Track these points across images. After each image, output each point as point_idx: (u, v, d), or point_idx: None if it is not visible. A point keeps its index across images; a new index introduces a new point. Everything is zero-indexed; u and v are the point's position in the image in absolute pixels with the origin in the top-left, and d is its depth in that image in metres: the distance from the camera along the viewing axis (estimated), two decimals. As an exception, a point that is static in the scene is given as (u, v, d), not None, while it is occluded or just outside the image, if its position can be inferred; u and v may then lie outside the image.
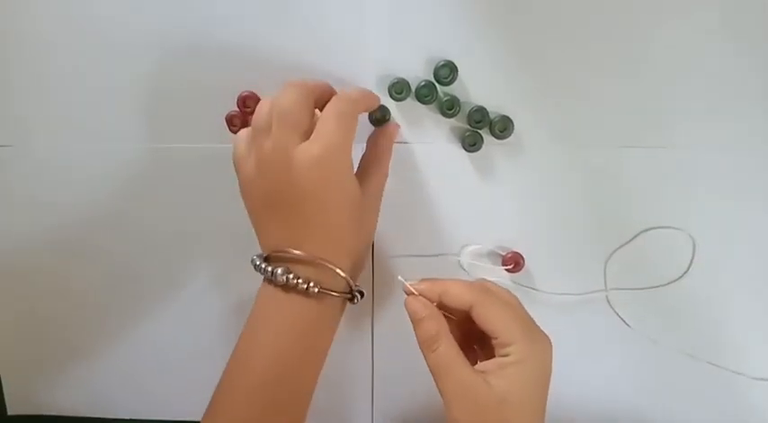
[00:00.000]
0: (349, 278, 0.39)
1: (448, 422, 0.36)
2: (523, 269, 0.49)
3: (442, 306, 0.38)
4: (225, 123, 0.47)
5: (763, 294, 0.49)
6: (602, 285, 0.49)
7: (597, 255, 0.49)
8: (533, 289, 0.50)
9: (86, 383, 0.56)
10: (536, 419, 0.36)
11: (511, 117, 0.46)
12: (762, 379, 0.50)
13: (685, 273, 0.49)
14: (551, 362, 0.37)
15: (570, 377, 0.52)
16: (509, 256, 0.48)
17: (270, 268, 0.38)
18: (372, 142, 0.45)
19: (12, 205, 0.52)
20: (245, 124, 0.47)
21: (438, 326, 0.37)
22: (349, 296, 0.41)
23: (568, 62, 0.45)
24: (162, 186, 0.50)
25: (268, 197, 0.39)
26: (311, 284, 0.38)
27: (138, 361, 0.55)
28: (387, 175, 0.45)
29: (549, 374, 0.37)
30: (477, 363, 0.38)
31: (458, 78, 0.45)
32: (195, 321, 0.54)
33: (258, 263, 0.40)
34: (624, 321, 0.50)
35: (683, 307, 0.49)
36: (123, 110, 0.48)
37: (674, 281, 0.49)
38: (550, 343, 0.38)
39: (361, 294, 0.41)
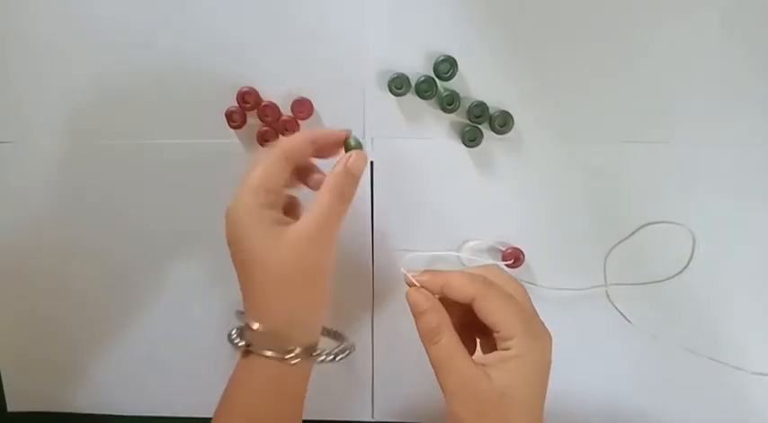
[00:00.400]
0: (282, 340, 0.38)
1: (448, 415, 0.36)
2: (523, 264, 0.49)
3: (443, 298, 0.37)
4: (225, 119, 0.47)
5: (762, 290, 0.49)
6: (602, 281, 0.50)
7: (597, 250, 0.49)
8: (533, 284, 0.50)
9: (86, 381, 0.56)
10: (535, 414, 0.36)
11: (511, 112, 0.46)
12: (761, 374, 0.50)
13: (685, 268, 0.49)
14: (551, 357, 0.37)
15: (570, 372, 0.52)
16: (509, 251, 0.48)
17: (228, 330, 0.39)
18: (331, 172, 0.39)
19: (11, 202, 0.51)
20: (245, 120, 0.47)
21: (439, 318, 0.36)
22: (291, 355, 0.38)
23: (568, 58, 0.45)
24: (163, 183, 0.50)
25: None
26: (249, 347, 0.38)
27: (137, 358, 0.55)
28: (337, 215, 0.38)
29: (549, 369, 0.37)
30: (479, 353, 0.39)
31: (458, 73, 0.45)
32: (195, 319, 0.54)
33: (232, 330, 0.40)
34: (624, 316, 0.50)
35: (682, 302, 0.49)
36: (123, 106, 0.48)
37: (674, 276, 0.49)
38: (551, 338, 0.37)
39: (319, 351, 0.39)
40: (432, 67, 0.45)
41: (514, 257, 0.48)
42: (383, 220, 0.49)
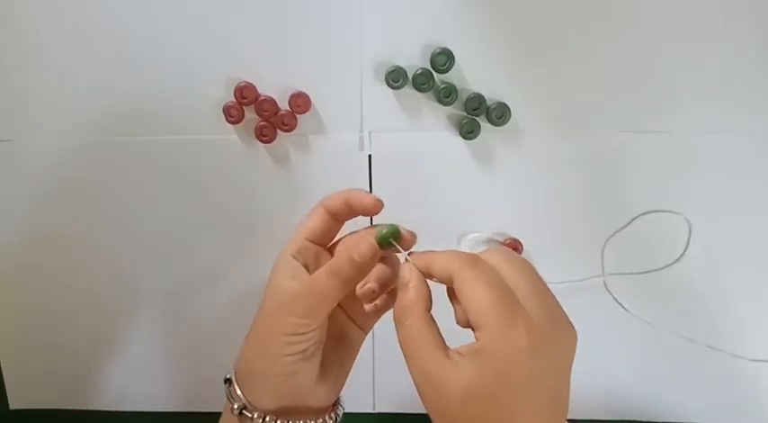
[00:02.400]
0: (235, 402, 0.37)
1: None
2: (522, 255, 0.49)
3: (432, 278, 0.34)
4: (222, 114, 0.47)
5: (759, 277, 0.49)
6: (599, 270, 0.50)
7: (595, 240, 0.49)
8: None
9: (88, 378, 0.56)
10: (513, 419, 0.30)
11: (508, 104, 0.46)
12: (759, 361, 0.51)
13: (682, 256, 0.49)
14: (550, 353, 0.30)
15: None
16: (507, 242, 0.49)
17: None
18: (337, 253, 0.38)
19: (13, 199, 0.51)
20: (242, 115, 0.47)
21: (413, 298, 0.32)
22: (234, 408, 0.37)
23: (565, 49, 0.45)
24: (162, 179, 0.50)
25: None
26: (234, 406, 0.37)
27: (140, 355, 0.55)
28: (329, 297, 0.35)
29: (546, 369, 0.30)
30: None
31: (454, 66, 0.45)
32: (196, 315, 0.54)
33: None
34: (622, 305, 0.50)
35: (680, 290, 0.50)
36: (121, 103, 0.48)
37: (671, 264, 0.49)
38: (555, 333, 0.31)
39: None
40: (428, 59, 0.45)
41: (512, 248, 0.49)
42: (381, 212, 0.49)
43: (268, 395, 0.37)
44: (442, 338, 0.32)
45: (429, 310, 0.33)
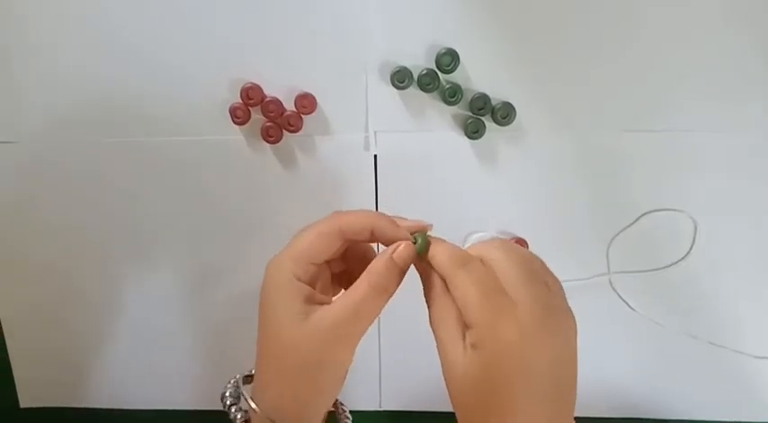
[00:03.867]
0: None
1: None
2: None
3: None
4: (228, 115, 0.47)
5: (764, 275, 0.49)
6: (604, 269, 0.50)
7: (600, 239, 0.50)
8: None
9: (98, 376, 0.57)
10: (525, 404, 0.31)
11: (513, 104, 0.46)
12: (763, 358, 0.51)
13: (687, 254, 0.49)
14: (545, 342, 0.31)
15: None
16: (512, 241, 0.49)
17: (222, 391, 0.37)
18: (374, 261, 0.35)
19: (17, 200, 0.52)
20: (249, 116, 0.47)
21: (433, 284, 0.34)
22: None
23: (569, 49, 0.45)
24: (167, 180, 0.50)
25: None
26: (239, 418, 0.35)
27: (148, 353, 0.56)
28: (372, 310, 0.34)
29: (517, 365, 0.31)
30: None
31: (459, 66, 0.45)
32: (202, 314, 0.54)
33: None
34: (627, 304, 0.51)
35: (685, 288, 0.50)
36: (127, 104, 0.49)
37: (676, 263, 0.50)
38: (549, 320, 0.31)
39: None
40: (434, 60, 0.45)
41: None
42: (387, 212, 0.49)
43: (312, 418, 0.36)
44: (461, 320, 0.32)
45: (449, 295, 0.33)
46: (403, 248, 0.34)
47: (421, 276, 0.35)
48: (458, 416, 0.33)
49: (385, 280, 0.34)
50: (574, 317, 0.33)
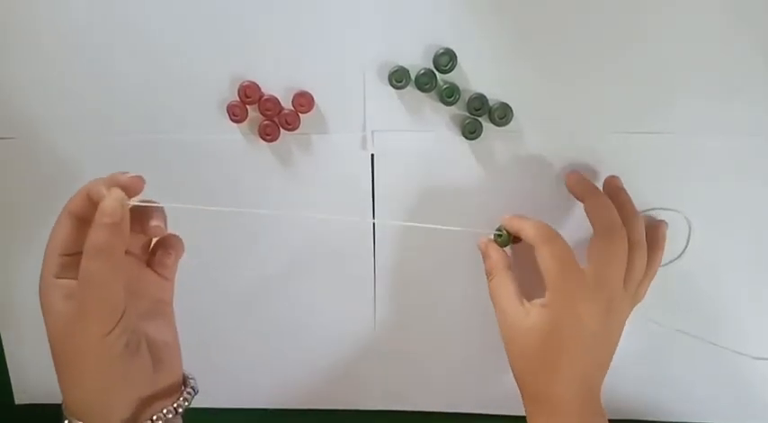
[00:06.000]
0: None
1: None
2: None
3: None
4: (226, 113, 0.47)
5: (760, 275, 0.50)
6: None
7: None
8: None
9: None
10: (581, 361, 0.41)
11: (510, 104, 0.46)
12: (762, 359, 0.51)
13: (682, 254, 0.49)
14: (575, 326, 0.40)
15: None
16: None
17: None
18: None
19: (15, 197, 0.52)
20: (246, 114, 0.47)
21: (494, 263, 0.44)
22: None
23: (567, 49, 0.45)
24: (163, 179, 0.50)
25: None
26: None
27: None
28: (109, 281, 0.34)
29: (572, 331, 0.40)
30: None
31: (457, 66, 0.45)
32: (198, 313, 0.54)
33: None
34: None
35: (681, 288, 0.50)
36: (123, 102, 0.49)
37: (671, 262, 0.50)
38: (602, 295, 0.41)
39: None
40: (431, 59, 0.45)
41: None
42: (384, 211, 0.50)
43: (119, 413, 0.36)
44: (519, 292, 0.43)
45: (509, 269, 0.44)
46: (108, 203, 0.34)
47: (483, 254, 0.46)
48: (515, 370, 0.42)
49: (100, 242, 0.34)
50: (631, 304, 0.45)
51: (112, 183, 0.35)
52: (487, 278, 0.44)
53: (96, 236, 0.34)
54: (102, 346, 0.34)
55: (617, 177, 0.46)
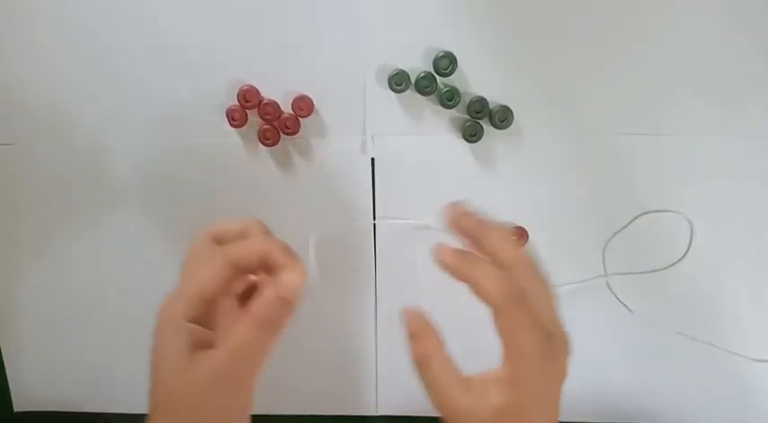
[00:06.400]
0: None
1: None
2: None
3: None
4: (225, 118, 0.47)
5: (761, 277, 0.49)
6: (601, 271, 0.50)
7: (597, 241, 0.50)
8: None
9: (92, 380, 0.56)
10: None
11: (510, 107, 0.46)
12: (762, 361, 0.51)
13: (684, 256, 0.49)
14: (566, 372, 0.34)
15: (572, 361, 0.52)
16: (513, 230, 0.48)
17: None
18: (260, 296, 0.33)
19: (13, 202, 0.51)
20: (246, 119, 0.47)
21: (432, 347, 0.34)
22: None
23: (567, 51, 0.45)
24: (163, 183, 0.50)
25: None
26: None
27: (142, 356, 0.55)
28: (261, 349, 0.32)
29: (561, 386, 0.34)
30: None
31: (457, 69, 0.45)
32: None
33: None
34: (626, 306, 0.51)
35: (682, 290, 0.50)
36: (124, 107, 0.48)
37: (673, 264, 0.50)
38: (568, 352, 0.34)
39: None
40: (431, 63, 0.45)
41: (519, 236, 0.48)
42: (385, 215, 0.49)
43: None
44: (461, 373, 0.33)
45: (446, 351, 0.34)
46: (291, 281, 0.32)
47: (414, 341, 0.34)
48: None
49: (273, 316, 0.31)
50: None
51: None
52: (420, 368, 0.34)
53: (274, 309, 0.31)
54: (229, 411, 0.32)
55: (456, 205, 0.37)
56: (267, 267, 0.33)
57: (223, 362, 0.31)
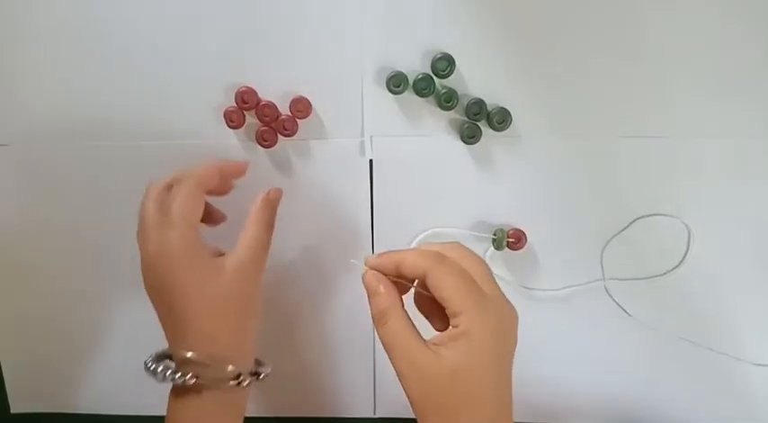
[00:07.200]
0: (229, 366, 0.39)
1: (406, 394, 0.36)
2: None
3: (402, 276, 0.37)
4: (223, 119, 0.47)
5: (760, 281, 0.49)
6: (599, 275, 0.50)
7: (595, 244, 0.49)
8: (530, 289, 0.50)
9: (89, 381, 0.56)
10: (493, 391, 0.35)
11: (508, 109, 0.46)
12: (761, 365, 0.51)
13: (682, 261, 0.49)
14: (509, 333, 0.36)
15: (570, 366, 0.52)
16: (512, 232, 0.48)
17: (152, 367, 0.40)
18: (255, 205, 0.43)
19: (9, 203, 0.51)
20: (243, 120, 0.47)
21: (388, 300, 0.36)
22: (237, 381, 0.40)
23: (565, 54, 0.45)
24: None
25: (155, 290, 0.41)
26: (188, 378, 0.39)
27: (139, 358, 0.55)
28: (265, 245, 0.42)
29: (508, 346, 0.36)
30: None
31: (455, 71, 0.45)
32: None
33: (148, 363, 0.41)
34: (624, 310, 0.50)
35: (681, 294, 0.50)
36: (121, 108, 0.48)
37: (672, 269, 0.49)
38: (511, 314, 0.36)
39: (258, 374, 0.42)
40: (429, 64, 0.45)
41: (517, 238, 0.48)
42: (383, 217, 0.49)
43: (252, 354, 0.42)
44: (419, 332, 0.36)
45: (403, 308, 0.37)
46: (275, 190, 0.44)
47: (373, 298, 0.37)
48: (418, 411, 0.36)
49: (268, 217, 0.43)
50: (516, 311, 0.37)
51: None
52: (377, 323, 0.37)
53: (269, 214, 0.43)
54: (252, 299, 0.42)
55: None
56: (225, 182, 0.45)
57: (249, 257, 0.41)
